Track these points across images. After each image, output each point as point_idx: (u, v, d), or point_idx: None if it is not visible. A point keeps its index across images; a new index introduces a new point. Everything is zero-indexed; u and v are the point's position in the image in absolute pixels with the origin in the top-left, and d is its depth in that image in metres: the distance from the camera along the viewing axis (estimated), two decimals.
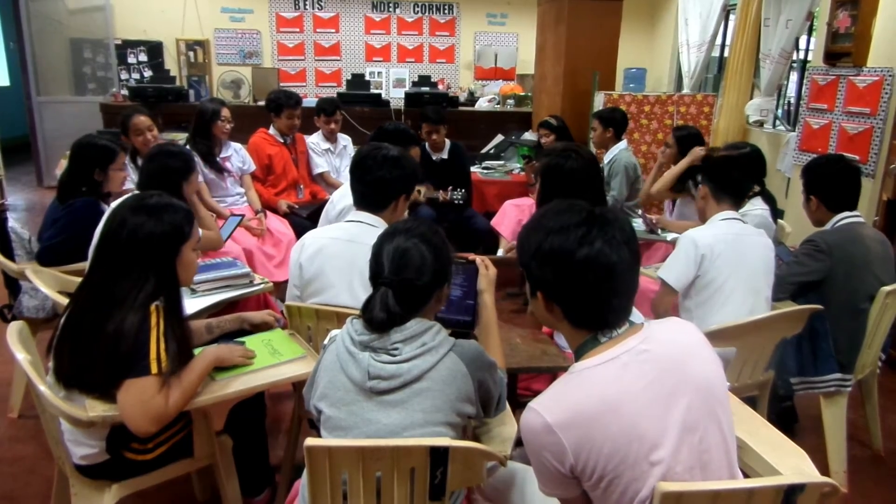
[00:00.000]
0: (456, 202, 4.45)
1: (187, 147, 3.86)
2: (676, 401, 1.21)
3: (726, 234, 2.37)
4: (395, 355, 1.38)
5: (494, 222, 4.32)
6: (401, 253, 1.45)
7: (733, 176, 2.48)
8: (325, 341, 1.53)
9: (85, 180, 2.82)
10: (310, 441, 1.31)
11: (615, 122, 4.29)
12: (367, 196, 2.22)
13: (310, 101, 6.24)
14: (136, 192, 2.32)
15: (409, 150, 2.87)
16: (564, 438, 1.20)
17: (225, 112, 3.95)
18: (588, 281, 1.24)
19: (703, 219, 2.55)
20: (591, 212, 1.29)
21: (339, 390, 1.41)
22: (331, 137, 4.68)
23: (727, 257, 2.32)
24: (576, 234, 1.25)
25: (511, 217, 4.22)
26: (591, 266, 1.23)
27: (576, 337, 1.31)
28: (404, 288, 1.43)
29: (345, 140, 4.80)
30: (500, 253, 4.29)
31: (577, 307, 1.28)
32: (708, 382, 1.26)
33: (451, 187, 4.44)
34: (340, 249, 2.13)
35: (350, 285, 2.10)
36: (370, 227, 2.13)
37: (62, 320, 1.71)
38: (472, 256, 1.81)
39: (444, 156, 4.65)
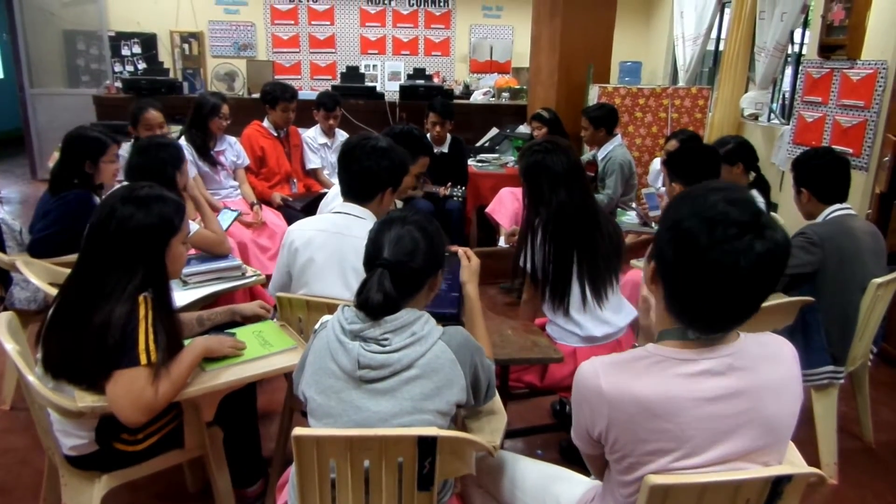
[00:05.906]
0: (455, 199, 4.43)
1: (181, 138, 3.86)
2: (735, 424, 1.18)
3: None
4: (384, 345, 1.38)
5: (491, 210, 4.25)
6: (396, 238, 1.46)
7: (700, 167, 2.46)
8: (317, 326, 1.53)
9: (76, 172, 2.80)
10: (298, 430, 1.30)
11: (605, 121, 4.27)
12: (354, 187, 2.21)
13: (305, 94, 6.22)
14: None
15: (419, 160, 2.75)
16: (608, 410, 1.19)
17: (225, 109, 3.91)
18: (704, 285, 1.12)
19: None
20: (758, 217, 1.11)
21: (328, 378, 1.42)
22: (329, 132, 4.65)
23: None
24: (723, 232, 1.09)
25: (508, 205, 4.17)
26: (716, 273, 1.10)
27: (666, 320, 1.22)
28: (400, 270, 1.43)
29: (343, 136, 4.72)
30: (500, 241, 4.25)
31: (681, 300, 1.18)
32: (776, 420, 1.21)
33: (450, 183, 4.42)
34: (328, 241, 2.12)
35: (338, 277, 2.10)
36: (357, 219, 2.13)
37: (51, 311, 1.70)
38: (453, 248, 1.81)
39: (445, 149, 4.61)
